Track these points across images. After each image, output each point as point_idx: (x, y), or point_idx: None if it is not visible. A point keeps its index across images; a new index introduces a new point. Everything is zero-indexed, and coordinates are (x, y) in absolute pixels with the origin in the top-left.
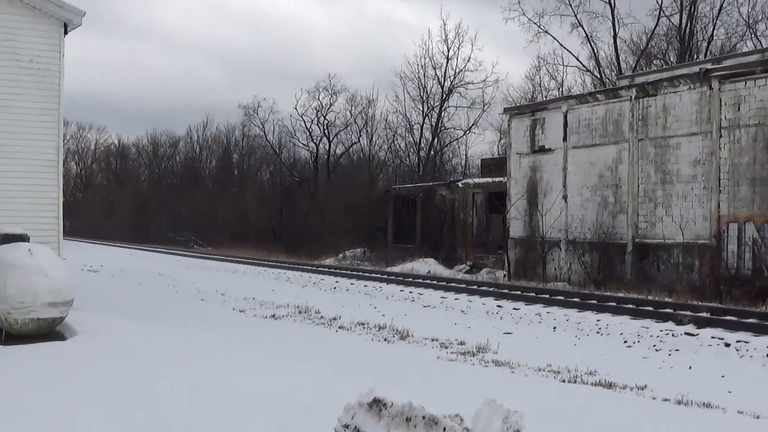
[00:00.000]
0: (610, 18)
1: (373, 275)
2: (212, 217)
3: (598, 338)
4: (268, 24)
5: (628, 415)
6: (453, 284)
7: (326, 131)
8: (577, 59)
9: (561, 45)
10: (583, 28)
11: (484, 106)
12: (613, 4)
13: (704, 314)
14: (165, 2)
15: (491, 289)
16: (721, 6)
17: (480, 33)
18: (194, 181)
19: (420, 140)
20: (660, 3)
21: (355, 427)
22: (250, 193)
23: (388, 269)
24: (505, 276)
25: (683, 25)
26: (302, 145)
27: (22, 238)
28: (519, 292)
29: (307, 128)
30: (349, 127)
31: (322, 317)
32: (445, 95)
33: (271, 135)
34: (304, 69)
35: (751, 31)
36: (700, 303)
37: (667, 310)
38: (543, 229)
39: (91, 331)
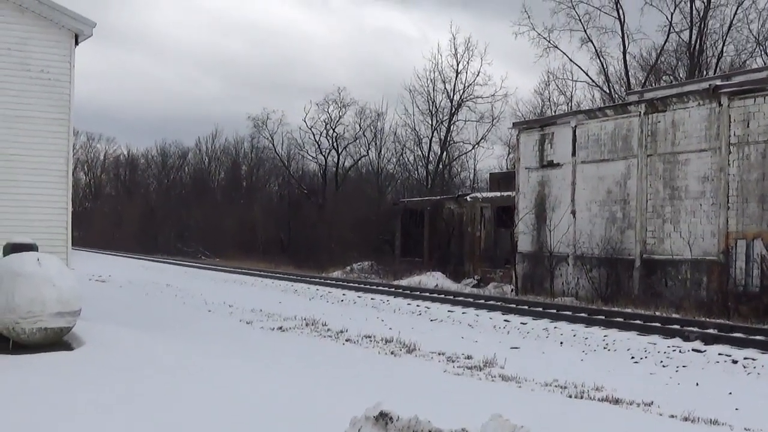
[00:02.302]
0: (620, 33)
1: (381, 288)
2: (220, 228)
3: (605, 354)
4: (266, 35)
5: None
6: (460, 298)
7: (335, 144)
8: (587, 74)
9: (570, 60)
10: (593, 44)
11: (493, 120)
12: (622, 20)
13: (712, 331)
14: (158, 12)
15: (498, 303)
16: (731, 23)
17: (489, 47)
18: (203, 193)
19: (428, 154)
20: (670, 19)
21: None
22: (258, 204)
23: (396, 282)
24: (512, 290)
25: (693, 42)
26: (311, 158)
27: (31, 247)
28: (526, 307)
29: (315, 141)
30: (357, 140)
31: (329, 330)
32: (454, 109)
33: (280, 147)
34: (305, 80)
35: (761, 48)
36: (707, 319)
37: (675, 327)
38: (551, 244)
39: (98, 342)
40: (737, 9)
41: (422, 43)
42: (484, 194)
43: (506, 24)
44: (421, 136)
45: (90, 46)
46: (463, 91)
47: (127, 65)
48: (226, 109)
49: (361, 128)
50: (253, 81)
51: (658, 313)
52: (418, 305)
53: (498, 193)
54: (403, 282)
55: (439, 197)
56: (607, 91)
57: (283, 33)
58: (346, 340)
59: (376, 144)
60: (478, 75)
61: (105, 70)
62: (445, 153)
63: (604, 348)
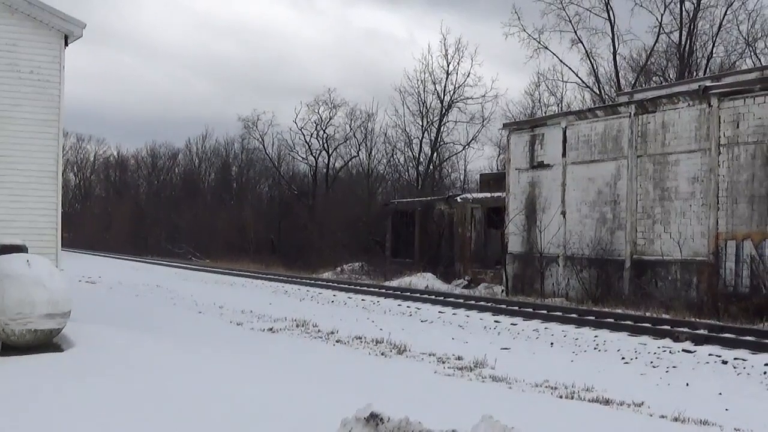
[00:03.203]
0: (610, 34)
1: (371, 289)
2: (210, 229)
3: (596, 354)
4: (255, 36)
5: None
6: (451, 299)
7: (325, 145)
8: (577, 75)
9: (561, 61)
10: (583, 45)
11: (483, 121)
12: (612, 21)
13: (702, 331)
14: (147, 13)
15: (489, 304)
16: (721, 24)
17: (480, 48)
18: (193, 194)
19: (419, 154)
20: (660, 20)
21: None
22: (249, 206)
23: (386, 283)
24: (503, 291)
25: (683, 43)
26: (301, 159)
27: (21, 248)
28: (517, 308)
29: (306, 142)
30: (348, 141)
31: (319, 331)
32: (444, 110)
33: (271, 148)
34: (295, 81)
35: (751, 48)
36: (697, 320)
37: (665, 327)
38: (541, 245)
39: (88, 343)
40: (727, 10)
41: (410, 44)
42: (475, 195)
43: (496, 24)
44: (412, 137)
45: (80, 47)
46: (454, 92)
47: (117, 66)
48: (217, 110)
49: (351, 129)
50: (243, 82)
51: (648, 314)
52: (408, 306)
53: (488, 194)
54: (394, 283)
55: (429, 198)
56: (598, 92)
57: (273, 34)
58: (337, 341)
59: (366, 145)
60: (468, 76)
61: (95, 72)
62: (435, 154)
63: (595, 349)
